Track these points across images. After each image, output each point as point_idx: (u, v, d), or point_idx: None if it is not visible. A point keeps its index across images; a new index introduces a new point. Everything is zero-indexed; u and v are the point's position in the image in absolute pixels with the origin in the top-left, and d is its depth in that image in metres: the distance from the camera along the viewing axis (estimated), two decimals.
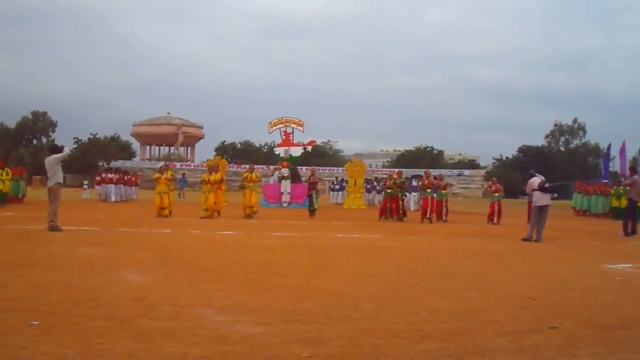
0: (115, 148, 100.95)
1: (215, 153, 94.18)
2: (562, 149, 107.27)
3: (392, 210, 25.77)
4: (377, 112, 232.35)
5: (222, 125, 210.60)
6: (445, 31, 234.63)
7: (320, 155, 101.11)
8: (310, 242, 15.04)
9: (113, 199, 36.87)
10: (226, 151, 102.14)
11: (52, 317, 6.08)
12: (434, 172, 35.92)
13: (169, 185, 24.46)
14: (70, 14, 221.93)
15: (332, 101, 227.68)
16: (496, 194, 26.11)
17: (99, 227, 17.51)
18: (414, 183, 37.69)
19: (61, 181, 16.69)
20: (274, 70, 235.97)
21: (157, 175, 24.72)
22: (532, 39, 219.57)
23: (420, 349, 5.40)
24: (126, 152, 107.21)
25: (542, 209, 17.21)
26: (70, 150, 20.47)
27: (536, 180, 17.77)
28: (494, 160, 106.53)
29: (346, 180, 43.28)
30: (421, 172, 57.14)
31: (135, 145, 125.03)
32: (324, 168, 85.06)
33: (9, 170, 29.95)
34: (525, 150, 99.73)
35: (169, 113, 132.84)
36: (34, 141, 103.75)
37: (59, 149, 17.16)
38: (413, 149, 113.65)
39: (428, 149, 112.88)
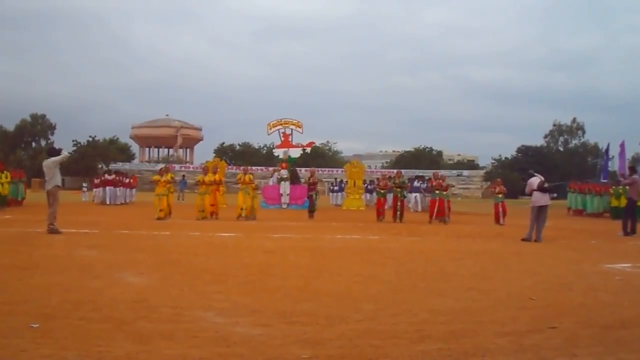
0: (115, 150, 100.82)
1: (214, 155, 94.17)
2: (561, 149, 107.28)
3: (393, 210, 25.85)
4: (376, 113, 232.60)
5: (221, 127, 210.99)
6: (444, 31, 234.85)
7: (319, 156, 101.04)
8: (309, 243, 15.04)
9: (110, 201, 36.79)
10: (225, 153, 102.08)
11: (52, 320, 6.08)
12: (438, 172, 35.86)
13: (169, 187, 24.46)
14: (69, 17, 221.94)
15: (331, 102, 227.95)
16: (500, 195, 26.12)
17: (98, 230, 17.51)
18: (416, 183, 37.75)
19: (60, 184, 16.69)
20: (273, 71, 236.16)
21: (156, 177, 24.74)
22: (531, 39, 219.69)
23: (420, 349, 5.40)
24: (125, 154, 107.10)
25: (542, 209, 17.22)
26: (69, 153, 20.48)
27: (535, 180, 17.77)
28: (493, 161, 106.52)
29: (345, 182, 43.28)
30: (421, 172, 57.30)
31: (134, 147, 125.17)
32: (323, 169, 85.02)
33: (8, 173, 29.94)
34: (524, 150, 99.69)
35: (167, 115, 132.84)
36: (33, 144, 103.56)
37: (57, 152, 17.17)
38: (412, 149, 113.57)
39: (427, 149, 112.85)
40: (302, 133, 42.55)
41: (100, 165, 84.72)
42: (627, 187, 22.39)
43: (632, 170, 22.99)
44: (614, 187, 33.34)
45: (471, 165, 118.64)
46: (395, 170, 33.76)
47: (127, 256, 11.61)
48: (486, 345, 5.56)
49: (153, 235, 16.48)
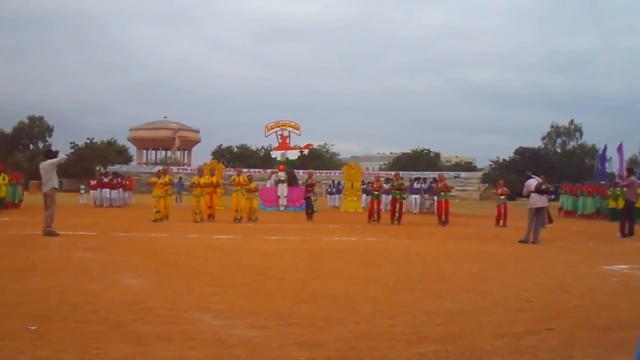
0: (112, 152, 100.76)
1: (212, 157, 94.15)
2: (559, 150, 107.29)
3: (391, 212, 25.91)
4: (373, 115, 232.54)
5: (219, 129, 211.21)
6: (441, 33, 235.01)
7: (316, 158, 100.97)
8: (306, 245, 15.05)
9: (107, 203, 36.75)
10: (223, 155, 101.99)
11: (49, 322, 6.08)
12: (433, 174, 35.91)
13: (166, 189, 24.46)
14: (67, 19, 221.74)
15: (328, 104, 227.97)
16: (502, 197, 26.18)
17: (95, 232, 17.50)
18: (416, 185, 37.84)
19: (56, 186, 16.68)
20: (270, 73, 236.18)
21: (153, 179, 24.76)
22: (528, 40, 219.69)
23: (418, 351, 5.41)
24: (123, 156, 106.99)
25: (539, 211, 17.24)
26: (67, 155, 20.47)
27: (533, 182, 17.79)
28: (491, 162, 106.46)
29: (343, 184, 43.27)
30: (418, 174, 57.26)
31: (132, 149, 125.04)
32: (321, 171, 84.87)
33: (5, 175, 29.92)
34: (522, 152, 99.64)
35: (165, 117, 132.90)
36: (31, 146, 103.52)
37: (54, 154, 17.15)
38: (410, 151, 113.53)
39: (425, 151, 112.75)
40: (299, 135, 42.55)
41: (98, 168, 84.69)
42: (625, 188, 22.42)
43: (630, 171, 23.06)
44: (611, 188, 33.39)
45: (469, 167, 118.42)
46: (393, 172, 33.77)
47: (125, 258, 11.61)
48: (483, 347, 5.57)
49: (150, 237, 16.48)
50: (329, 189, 50.03)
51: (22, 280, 8.71)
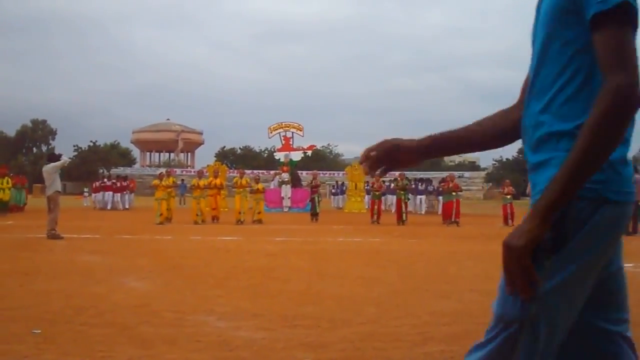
0: (116, 155, 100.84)
1: (215, 159, 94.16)
2: None
3: (397, 212, 25.94)
4: (376, 115, 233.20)
5: (222, 131, 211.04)
6: (442, 33, 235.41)
7: (320, 159, 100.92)
8: (311, 246, 15.05)
9: (110, 206, 36.77)
10: (226, 157, 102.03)
11: (54, 326, 6.08)
12: (436, 174, 35.91)
13: (169, 192, 24.49)
14: (69, 22, 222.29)
15: (331, 105, 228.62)
16: (509, 197, 26.18)
17: (99, 235, 17.51)
18: (420, 187, 37.84)
19: (60, 189, 16.71)
20: (273, 75, 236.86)
21: (155, 181, 24.81)
22: (529, 39, 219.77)
23: (423, 352, 5.39)
24: (126, 159, 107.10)
25: None
26: (70, 159, 20.52)
27: None
28: (494, 162, 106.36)
29: (347, 184, 43.25)
30: (422, 174, 57.16)
31: (136, 152, 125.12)
32: (324, 172, 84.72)
33: (9, 178, 29.98)
34: None
35: (168, 119, 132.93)
36: (34, 149, 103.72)
37: (57, 157, 17.20)
38: None
39: None
40: (302, 136, 42.61)
41: (101, 170, 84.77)
42: None
43: (633, 170, 23.01)
44: None
45: (472, 166, 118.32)
46: (398, 173, 33.80)
47: (129, 261, 11.61)
48: None
49: (154, 239, 16.49)
50: (333, 190, 50.01)
51: (27, 283, 8.71)
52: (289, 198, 37.56)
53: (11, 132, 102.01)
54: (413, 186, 35.90)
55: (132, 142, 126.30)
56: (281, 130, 41.92)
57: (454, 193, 26.09)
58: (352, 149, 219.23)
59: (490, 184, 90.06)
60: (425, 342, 5.71)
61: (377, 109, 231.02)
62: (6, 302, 7.24)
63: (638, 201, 20.58)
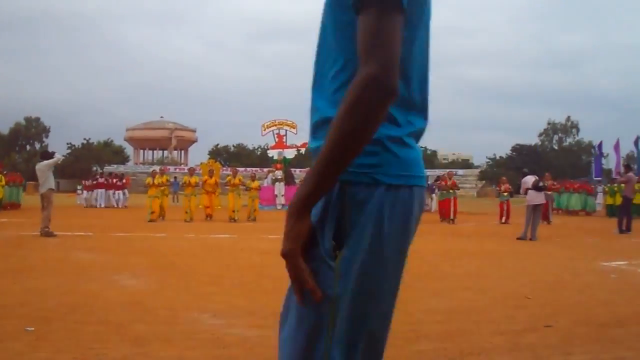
0: (109, 153, 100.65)
1: (208, 156, 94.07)
2: (556, 147, 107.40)
3: None
4: None
5: (215, 129, 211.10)
6: (438, 31, 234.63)
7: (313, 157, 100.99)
8: None
9: (102, 204, 36.69)
10: (219, 154, 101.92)
11: (47, 323, 6.07)
12: (429, 172, 35.98)
13: (162, 190, 24.48)
14: (62, 20, 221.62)
15: None
16: (505, 194, 26.25)
17: (93, 232, 17.47)
18: None
19: (53, 187, 16.67)
20: (267, 72, 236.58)
21: (148, 179, 24.83)
22: (524, 37, 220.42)
23: (416, 349, 5.40)
24: (120, 156, 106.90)
25: (537, 208, 17.28)
26: (64, 156, 20.48)
27: (530, 178, 17.82)
28: (488, 160, 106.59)
29: None
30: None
31: (129, 149, 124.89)
32: None
33: (2, 176, 29.90)
34: (519, 149, 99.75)
35: (162, 117, 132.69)
36: (28, 147, 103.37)
37: (50, 155, 17.17)
38: None
39: (422, 148, 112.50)
40: (296, 134, 42.51)
41: (95, 168, 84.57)
42: (623, 185, 22.47)
43: (628, 168, 23.12)
44: (609, 185, 33.43)
45: (466, 164, 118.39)
46: None
47: (123, 259, 11.59)
48: (482, 345, 5.57)
49: (148, 237, 16.46)
50: None
51: (20, 281, 8.69)
52: (282, 196, 37.51)
53: (4, 129, 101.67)
54: None
55: (125, 140, 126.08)
56: (275, 127, 41.87)
57: (451, 191, 26.21)
58: None
59: (484, 181, 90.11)
60: (419, 339, 5.73)
61: None
62: None
63: (631, 198, 20.78)
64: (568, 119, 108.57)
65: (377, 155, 1.73)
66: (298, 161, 56.03)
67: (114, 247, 13.76)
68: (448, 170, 41.35)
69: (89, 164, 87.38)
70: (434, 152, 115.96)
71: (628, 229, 20.21)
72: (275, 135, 41.81)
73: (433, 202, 36.68)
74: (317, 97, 1.87)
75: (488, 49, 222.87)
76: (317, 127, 1.85)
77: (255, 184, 26.27)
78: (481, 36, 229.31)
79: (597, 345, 5.62)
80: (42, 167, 16.45)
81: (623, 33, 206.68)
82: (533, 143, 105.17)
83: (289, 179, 40.35)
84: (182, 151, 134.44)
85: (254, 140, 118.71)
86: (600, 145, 46.84)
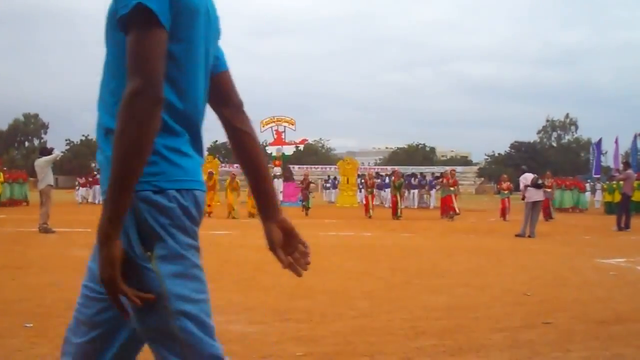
0: None
1: (207, 153, 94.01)
2: (554, 144, 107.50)
3: (392, 208, 26.10)
4: (369, 109, 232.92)
5: (214, 125, 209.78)
6: (436, 28, 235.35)
7: (312, 153, 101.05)
8: None
9: (97, 200, 36.73)
10: (218, 151, 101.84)
11: (46, 319, 6.06)
12: (427, 169, 36.04)
13: None
14: (59, 16, 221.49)
15: (323, 99, 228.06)
16: (506, 191, 26.30)
17: (91, 229, 17.38)
18: (413, 182, 37.99)
19: (52, 183, 16.66)
20: (265, 69, 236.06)
21: None
22: (522, 34, 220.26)
23: (415, 346, 5.40)
24: None
25: (535, 205, 17.28)
26: (62, 153, 20.47)
27: (529, 176, 17.82)
28: (487, 157, 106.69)
29: (339, 179, 43.25)
30: (415, 169, 57.26)
31: None
32: (316, 166, 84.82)
33: (1, 173, 29.93)
34: (517, 146, 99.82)
35: None
36: (26, 143, 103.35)
37: (49, 151, 17.17)
38: (405, 146, 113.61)
39: (420, 146, 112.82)
40: (295, 130, 42.51)
41: (93, 164, 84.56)
42: (622, 182, 22.49)
43: (627, 165, 23.13)
44: (607, 182, 33.44)
45: (464, 161, 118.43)
46: (392, 169, 33.65)
47: None
48: (481, 341, 5.57)
49: None
50: (325, 184, 49.99)
51: (19, 277, 8.69)
52: (280, 192, 37.51)
53: (3, 126, 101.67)
54: (407, 182, 36.02)
55: None
56: (273, 124, 41.82)
57: (452, 188, 26.32)
58: (344, 143, 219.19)
59: (483, 178, 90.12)
60: (417, 336, 5.72)
61: (370, 103, 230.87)
62: None
63: (630, 195, 20.79)
64: (567, 116, 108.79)
65: (156, 164, 1.87)
66: (296, 158, 56.03)
67: None
68: (450, 168, 41.23)
69: (88, 160, 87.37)
70: (433, 149, 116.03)
71: (627, 226, 20.22)
72: (274, 132, 41.78)
73: (432, 198, 36.76)
74: (101, 111, 2.00)
75: (487, 45, 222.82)
76: (100, 140, 1.98)
77: None
78: (480, 33, 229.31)
79: (596, 342, 5.62)
80: (41, 163, 16.44)
81: (622, 30, 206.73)
82: (532, 140, 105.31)
83: (287, 176, 40.37)
84: None
85: None
86: (599, 142, 46.83)
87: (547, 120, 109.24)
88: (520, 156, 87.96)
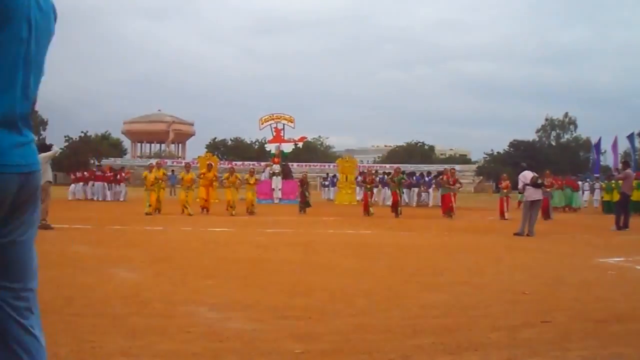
0: (107, 146, 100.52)
1: (206, 150, 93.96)
2: (553, 143, 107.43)
3: (392, 206, 26.13)
4: (367, 107, 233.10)
5: (213, 122, 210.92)
6: (435, 26, 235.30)
7: (311, 151, 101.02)
8: (302, 238, 15.04)
9: (94, 197, 36.72)
10: (217, 148, 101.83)
11: (44, 316, 5.99)
12: (426, 167, 36.08)
13: (159, 183, 24.48)
14: (59, 14, 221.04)
15: (322, 97, 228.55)
16: (505, 190, 26.32)
17: (90, 225, 17.46)
18: (413, 180, 38.04)
19: (51, 179, 16.66)
20: (264, 66, 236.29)
21: (145, 173, 24.95)
22: (521, 32, 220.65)
23: (413, 344, 5.39)
24: (117, 149, 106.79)
25: (534, 204, 17.27)
26: (61, 149, 20.44)
27: (528, 174, 17.79)
28: (485, 155, 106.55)
29: (337, 176, 43.25)
30: (414, 167, 57.26)
31: (127, 142, 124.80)
32: (315, 164, 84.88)
33: None
34: (516, 145, 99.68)
35: (159, 110, 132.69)
36: None
37: (48, 148, 17.13)
38: (404, 144, 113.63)
39: (419, 144, 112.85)
40: (294, 128, 42.51)
41: (92, 161, 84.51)
42: (621, 181, 22.49)
43: (626, 164, 23.12)
44: (606, 181, 33.43)
45: (463, 159, 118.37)
46: (394, 167, 33.58)
47: (120, 251, 11.57)
48: (479, 340, 5.56)
49: (145, 230, 16.45)
50: (324, 182, 49.99)
51: None
52: (279, 189, 37.54)
53: None
54: (407, 180, 36.03)
55: (123, 133, 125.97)
56: (272, 121, 41.83)
57: (452, 186, 26.43)
58: (343, 141, 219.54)
59: (481, 177, 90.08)
60: (416, 334, 5.71)
61: (368, 101, 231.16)
62: None
63: (629, 195, 20.79)
64: (566, 115, 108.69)
65: None
66: (295, 155, 56.00)
67: (111, 240, 13.75)
68: (450, 166, 41.30)
69: (86, 157, 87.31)
70: (432, 148, 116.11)
71: (626, 226, 20.21)
72: (273, 129, 41.77)
73: (430, 196, 36.74)
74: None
75: (487, 44, 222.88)
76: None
77: (253, 179, 26.39)
78: (480, 31, 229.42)
79: (595, 341, 5.61)
80: (40, 159, 16.38)
81: (622, 30, 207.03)
82: (531, 139, 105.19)
83: (286, 173, 40.39)
84: (180, 144, 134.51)
85: (251, 134, 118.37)
86: (598, 142, 46.86)
87: (546, 119, 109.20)
88: (519, 155, 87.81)
